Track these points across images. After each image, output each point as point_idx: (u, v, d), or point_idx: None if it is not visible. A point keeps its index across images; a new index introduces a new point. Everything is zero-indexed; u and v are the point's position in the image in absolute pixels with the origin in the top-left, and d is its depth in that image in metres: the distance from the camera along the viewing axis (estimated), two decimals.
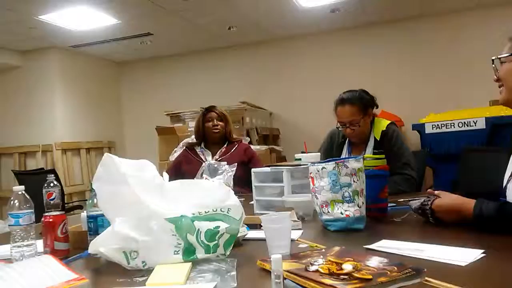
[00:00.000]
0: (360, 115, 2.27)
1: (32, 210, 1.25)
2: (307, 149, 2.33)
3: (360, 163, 1.45)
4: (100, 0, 4.19)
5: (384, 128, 2.32)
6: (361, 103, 2.29)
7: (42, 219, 1.29)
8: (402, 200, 1.80)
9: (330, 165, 1.43)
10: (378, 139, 2.29)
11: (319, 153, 2.14)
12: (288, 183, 1.75)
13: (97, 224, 1.27)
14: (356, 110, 2.26)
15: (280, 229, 1.10)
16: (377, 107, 2.42)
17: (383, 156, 1.64)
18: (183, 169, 2.95)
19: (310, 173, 1.50)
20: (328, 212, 1.44)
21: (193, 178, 2.05)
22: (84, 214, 1.40)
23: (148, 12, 4.62)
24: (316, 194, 1.48)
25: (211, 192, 1.15)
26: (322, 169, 1.45)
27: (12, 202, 1.23)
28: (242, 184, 2.51)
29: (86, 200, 4.80)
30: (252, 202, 1.93)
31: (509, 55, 1.36)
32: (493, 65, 1.42)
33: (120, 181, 1.12)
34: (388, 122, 2.37)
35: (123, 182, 1.12)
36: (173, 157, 4.41)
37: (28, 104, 5.83)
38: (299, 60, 5.94)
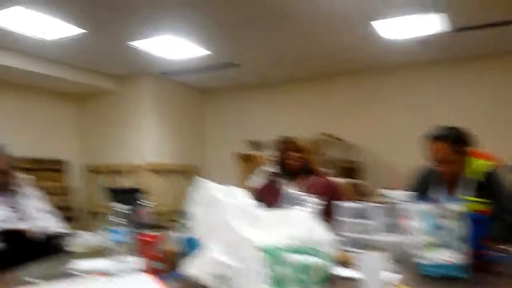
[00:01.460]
0: (454, 153, 2.13)
1: (130, 228, 1.32)
2: (390, 185, 2.23)
3: (462, 206, 1.35)
4: (192, 31, 4.45)
5: (485, 170, 2.15)
6: (455, 140, 2.16)
7: (139, 237, 1.34)
8: (505, 250, 1.64)
9: (428, 206, 1.35)
10: (480, 181, 2.13)
11: (410, 192, 2.03)
12: (377, 220, 1.67)
13: (190, 246, 1.30)
14: (450, 148, 2.13)
15: (379, 269, 1.05)
16: (474, 145, 2.26)
17: (485, 200, 1.52)
18: (265, 198, 2.95)
19: (404, 212, 1.42)
20: (425, 256, 1.35)
21: (273, 207, 2.04)
22: (176, 235, 1.45)
23: (235, 43, 4.82)
24: (411, 236, 1.39)
25: (303, 224, 1.12)
26: (418, 209, 1.37)
27: (112, 220, 1.31)
28: (322, 218, 2.45)
29: (172, 220, 4.93)
30: (335, 237, 1.87)
31: None
32: None
33: (214, 206, 1.15)
34: (491, 163, 2.20)
35: (217, 207, 1.14)
36: (248, 183, 4.47)
37: (120, 126, 6.26)
38: (384, 93, 5.79)
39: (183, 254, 1.32)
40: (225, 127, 6.90)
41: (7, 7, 3.78)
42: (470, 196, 2.01)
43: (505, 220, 2.02)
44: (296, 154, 2.91)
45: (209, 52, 5.06)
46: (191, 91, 6.94)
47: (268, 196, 2.88)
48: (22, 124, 5.72)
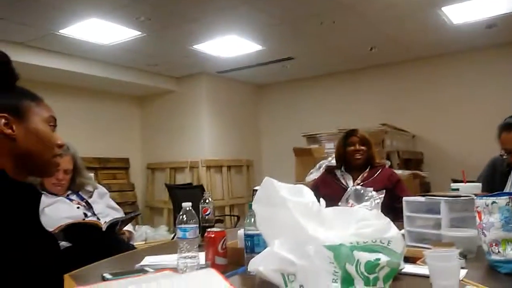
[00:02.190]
0: None
1: (197, 225, 1.36)
2: (458, 177, 2.13)
3: None
4: (247, 29, 4.49)
5: None
6: None
7: (205, 234, 1.39)
8: None
9: (502, 200, 1.27)
10: None
11: (479, 184, 1.93)
12: (446, 215, 1.60)
13: (254, 243, 1.32)
14: None
15: (448, 267, 1.01)
16: None
17: None
18: (321, 192, 2.92)
19: (477, 207, 1.35)
20: (499, 252, 1.28)
21: (331, 201, 2.02)
22: (241, 231, 1.47)
23: (290, 37, 4.80)
24: (484, 230, 1.32)
25: (370, 222, 1.10)
26: (492, 203, 1.30)
27: (181, 217, 1.35)
28: (386, 212, 2.39)
29: (226, 215, 5.06)
30: (402, 232, 1.82)
31: None
32: None
33: (279, 204, 1.15)
34: None
35: (282, 205, 1.14)
36: (309, 178, 4.44)
37: (180, 124, 6.47)
38: (448, 80, 5.53)
39: (248, 251, 1.34)
40: (280, 121, 6.91)
41: (81, 21, 4.05)
42: None
43: None
44: (359, 147, 2.86)
45: (263, 48, 5.08)
46: (246, 87, 7.01)
47: (324, 190, 2.85)
48: (90, 126, 6.07)
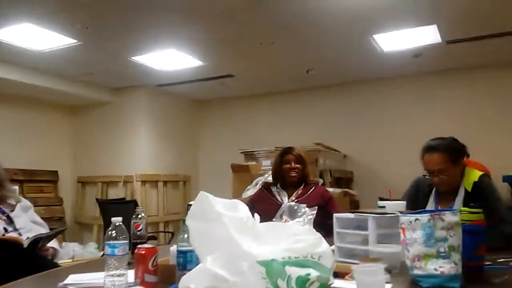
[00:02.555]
0: (449, 164, 2.16)
1: (127, 241, 1.31)
2: (384, 195, 2.25)
3: (457, 217, 1.36)
4: (187, 44, 4.48)
5: (476, 179, 2.18)
6: (451, 151, 2.18)
7: (135, 251, 1.34)
8: (500, 259, 1.66)
9: (424, 217, 1.36)
10: (469, 191, 2.16)
11: (404, 202, 2.04)
12: (373, 231, 1.68)
13: (186, 260, 1.29)
14: (445, 159, 2.16)
15: (374, 282, 1.05)
16: (468, 156, 2.29)
17: (480, 210, 1.53)
18: (257, 207, 2.95)
19: (401, 223, 1.43)
20: (421, 267, 1.35)
21: (267, 217, 2.04)
22: (173, 248, 1.44)
23: (230, 55, 4.85)
24: (408, 246, 1.40)
25: (302, 237, 1.13)
26: (415, 220, 1.38)
27: (110, 232, 1.30)
28: (318, 228, 2.45)
29: (160, 231, 4.92)
30: (332, 248, 1.87)
31: None
32: None
33: (214, 219, 1.15)
34: (481, 173, 2.23)
35: (217, 220, 1.14)
36: (246, 194, 4.46)
37: (115, 137, 6.25)
38: (378, 104, 5.85)
39: (180, 268, 1.31)
40: (219, 138, 6.90)
41: (12, 25, 3.83)
42: (464, 206, 2.03)
43: (500, 230, 2.05)
44: (295, 165, 2.93)
45: (203, 63, 5.08)
46: (186, 102, 6.95)
47: (260, 206, 2.88)
48: (17, 135, 5.70)
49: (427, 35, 4.27)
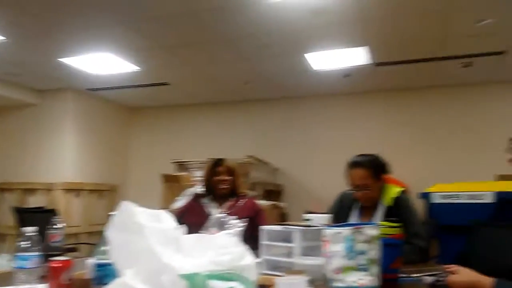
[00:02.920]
0: (372, 179, 2.26)
1: (39, 253, 1.22)
2: (311, 208, 2.31)
3: (377, 231, 1.42)
4: (122, 49, 4.34)
5: (395, 195, 2.30)
6: (374, 168, 2.29)
7: (48, 263, 1.25)
8: (413, 273, 1.75)
9: (346, 231, 1.40)
10: (389, 206, 2.27)
11: (329, 215, 2.11)
12: (298, 244, 1.70)
13: (104, 273, 1.22)
14: (368, 174, 2.26)
15: None
16: (389, 173, 2.42)
17: (398, 224, 1.61)
18: (186, 219, 2.89)
19: (325, 236, 1.47)
20: (341, 279, 1.39)
21: (196, 229, 2.01)
22: (90, 261, 1.36)
23: (167, 62, 4.77)
24: (330, 259, 1.43)
25: (227, 249, 1.12)
26: (338, 233, 1.42)
27: (21, 243, 1.20)
28: (247, 240, 2.45)
29: (82, 243, 4.66)
30: (258, 260, 1.88)
31: None
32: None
33: (135, 230, 1.10)
34: (400, 189, 2.36)
35: (139, 231, 1.09)
36: (175, 205, 4.37)
37: (38, 141, 5.87)
38: (309, 120, 6.03)
39: (96, 282, 1.24)
40: (151, 147, 6.73)
41: None
42: (383, 220, 2.13)
43: (416, 244, 2.17)
44: (225, 177, 2.91)
45: (139, 69, 4.95)
46: (117, 108, 6.71)
47: (190, 217, 2.83)
48: None
49: (358, 57, 4.49)
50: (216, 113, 6.47)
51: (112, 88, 5.77)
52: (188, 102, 6.47)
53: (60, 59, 4.62)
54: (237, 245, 1.15)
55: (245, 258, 1.11)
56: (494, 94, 5.14)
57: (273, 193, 5.62)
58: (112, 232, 1.15)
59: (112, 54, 4.48)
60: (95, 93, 6.02)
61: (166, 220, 1.15)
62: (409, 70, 4.92)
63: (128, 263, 1.09)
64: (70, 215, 5.68)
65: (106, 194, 6.37)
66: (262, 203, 4.52)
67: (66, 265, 1.23)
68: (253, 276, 1.10)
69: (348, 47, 4.26)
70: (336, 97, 5.90)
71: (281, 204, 5.34)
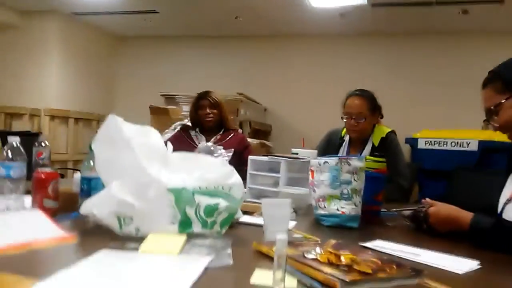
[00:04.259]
0: (368, 111, 2.29)
1: (25, 163, 1.21)
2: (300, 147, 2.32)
3: (362, 163, 1.44)
4: None
5: (384, 135, 2.33)
6: (371, 101, 2.33)
7: (34, 174, 1.24)
8: (394, 209, 1.80)
9: (332, 160, 1.42)
10: (377, 145, 2.30)
11: (315, 151, 2.12)
12: (284, 174, 1.73)
13: (91, 187, 1.23)
14: (366, 105, 2.30)
15: (280, 214, 1.08)
16: (381, 117, 2.45)
17: (383, 160, 1.64)
18: (174, 149, 2.90)
19: (311, 166, 1.48)
20: (324, 207, 1.43)
21: None
22: (77, 175, 1.36)
23: None
24: (315, 187, 1.46)
25: (214, 168, 1.12)
26: (324, 163, 1.43)
27: (5, 152, 1.18)
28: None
29: (68, 168, 4.64)
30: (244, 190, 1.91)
31: (503, 102, 1.30)
32: (490, 121, 1.36)
33: (123, 144, 1.09)
34: (389, 130, 2.38)
35: (126, 146, 1.08)
36: (163, 138, 4.36)
37: (22, 65, 5.68)
38: (300, 59, 5.92)
39: (83, 195, 1.25)
40: (139, 78, 6.59)
41: None
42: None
43: (399, 183, 2.23)
44: (210, 110, 2.89)
45: None
46: (105, 36, 6.47)
47: (177, 147, 2.83)
48: None
49: None
50: (207, 47, 6.29)
51: (99, 14, 5.53)
52: (178, 33, 6.26)
53: None
54: (224, 165, 1.16)
55: (232, 177, 1.11)
56: (490, 43, 5.08)
57: (261, 132, 5.63)
58: (98, 146, 1.14)
59: None
60: (82, 18, 5.78)
61: (154, 136, 1.14)
62: (404, 13, 4.79)
63: (115, 177, 1.09)
64: (57, 143, 5.65)
65: (93, 124, 6.31)
66: (250, 141, 4.54)
67: (52, 176, 1.23)
68: (239, 194, 1.11)
69: None
70: (329, 37, 5.76)
71: (269, 143, 5.37)
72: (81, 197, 1.24)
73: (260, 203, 1.66)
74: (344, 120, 2.34)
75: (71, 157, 5.90)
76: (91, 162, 1.22)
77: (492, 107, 1.34)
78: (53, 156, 5.56)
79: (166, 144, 2.64)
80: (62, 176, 4.64)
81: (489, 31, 5.09)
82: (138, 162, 1.05)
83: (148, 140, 1.11)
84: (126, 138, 1.08)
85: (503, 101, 1.30)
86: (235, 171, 1.14)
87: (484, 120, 1.41)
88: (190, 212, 1.03)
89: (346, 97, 2.38)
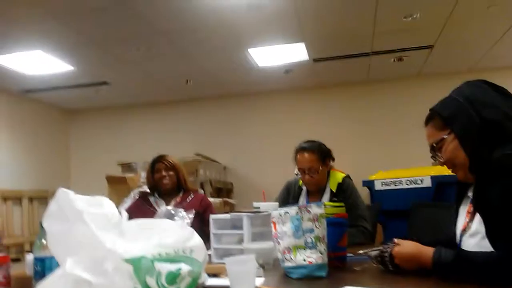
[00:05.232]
0: (319, 163, 2.34)
1: None
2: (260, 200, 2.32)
3: (322, 209, 1.46)
4: (55, 46, 4.13)
5: (340, 181, 2.38)
6: (320, 152, 2.38)
7: None
8: (360, 251, 1.81)
9: (293, 210, 1.42)
10: (334, 191, 2.35)
11: (276, 203, 2.13)
12: (248, 230, 1.71)
13: (45, 267, 1.16)
14: (315, 158, 2.34)
15: (245, 271, 1.06)
16: (333, 160, 2.50)
17: (342, 204, 1.67)
18: (134, 218, 2.81)
19: (273, 217, 1.48)
20: (291, 258, 1.41)
21: None
22: (30, 257, 1.29)
23: (105, 61, 4.61)
24: (279, 239, 1.45)
25: (173, 231, 1.09)
26: (285, 213, 1.43)
27: None
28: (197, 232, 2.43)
29: (26, 251, 4.41)
30: (209, 252, 1.86)
31: (445, 137, 1.37)
32: (436, 157, 1.44)
33: (75, 218, 1.05)
34: (344, 175, 2.44)
35: (78, 219, 1.04)
36: (123, 207, 4.23)
37: None
38: (253, 116, 6.07)
39: (37, 278, 1.18)
40: (94, 149, 6.48)
41: None
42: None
43: (361, 226, 2.26)
44: (166, 173, 2.86)
45: (74, 68, 4.74)
46: (56, 111, 6.40)
47: (137, 214, 2.74)
48: None
49: (297, 53, 4.57)
50: (161, 113, 6.35)
51: (47, 90, 5.49)
52: (129, 102, 6.30)
53: None
54: (183, 228, 1.13)
55: (192, 239, 1.09)
56: (425, 85, 5.43)
57: (223, 190, 5.61)
58: (49, 223, 1.09)
59: (44, 52, 4.25)
60: (32, 95, 5.71)
61: (107, 206, 1.11)
62: (344, 65, 5.08)
63: (69, 253, 1.04)
64: (11, 225, 5.35)
65: (49, 202, 6.04)
66: (212, 200, 4.49)
67: (2, 261, 1.16)
68: (201, 256, 1.09)
69: (287, 43, 4.32)
70: (278, 94, 5.98)
71: (231, 200, 5.34)
72: (35, 279, 1.17)
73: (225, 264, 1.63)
74: (299, 176, 2.39)
75: (27, 239, 5.60)
76: (43, 241, 1.16)
77: (434, 144, 1.41)
78: (8, 240, 5.28)
79: (127, 213, 2.54)
80: (18, 259, 4.37)
81: (428, 74, 5.46)
82: (92, 235, 1.01)
83: (102, 211, 1.08)
84: (78, 211, 1.04)
85: (444, 136, 1.37)
86: (195, 232, 1.12)
87: (431, 157, 1.48)
88: (151, 281, 0.99)
89: (295, 152, 2.43)
